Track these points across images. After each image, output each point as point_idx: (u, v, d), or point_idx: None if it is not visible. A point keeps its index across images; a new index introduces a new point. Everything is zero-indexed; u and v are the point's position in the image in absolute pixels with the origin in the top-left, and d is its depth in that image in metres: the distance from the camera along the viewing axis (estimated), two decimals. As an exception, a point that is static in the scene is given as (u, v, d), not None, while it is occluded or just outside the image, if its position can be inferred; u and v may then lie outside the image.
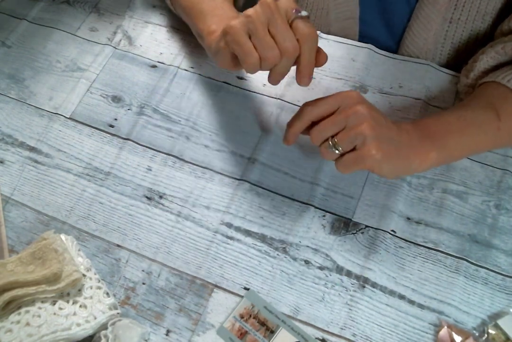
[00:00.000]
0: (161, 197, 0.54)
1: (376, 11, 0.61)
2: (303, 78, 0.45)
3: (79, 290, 0.46)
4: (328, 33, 0.65)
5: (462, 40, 0.60)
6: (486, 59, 0.53)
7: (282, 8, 0.43)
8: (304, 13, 0.43)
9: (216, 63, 0.50)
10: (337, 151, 0.44)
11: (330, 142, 0.44)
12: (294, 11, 0.43)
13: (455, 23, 0.58)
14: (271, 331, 0.46)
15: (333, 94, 0.45)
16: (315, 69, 0.62)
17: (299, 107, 0.59)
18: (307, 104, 0.46)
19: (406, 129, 0.46)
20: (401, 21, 0.60)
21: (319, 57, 0.45)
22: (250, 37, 0.43)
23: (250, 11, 0.43)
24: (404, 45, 0.62)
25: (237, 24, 0.43)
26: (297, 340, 0.46)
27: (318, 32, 0.64)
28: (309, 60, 0.44)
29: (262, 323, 0.47)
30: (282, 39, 0.42)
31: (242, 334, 0.46)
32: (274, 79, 0.46)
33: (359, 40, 0.64)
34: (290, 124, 0.48)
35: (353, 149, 0.44)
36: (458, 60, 0.63)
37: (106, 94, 0.61)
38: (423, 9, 0.57)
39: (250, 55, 0.43)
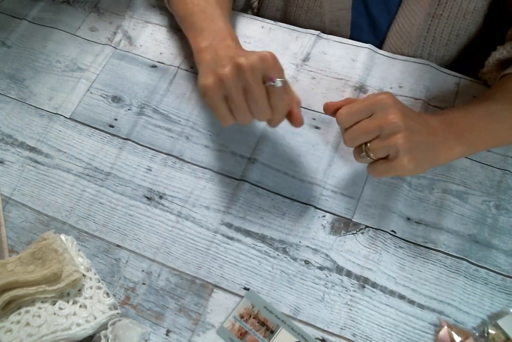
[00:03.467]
0: (161, 197, 0.54)
1: (363, 5, 0.63)
2: (272, 127, 0.48)
3: (79, 290, 0.46)
4: (321, 22, 0.66)
5: (443, 35, 0.63)
6: (502, 51, 0.55)
7: (258, 70, 0.43)
8: (278, 83, 0.43)
9: None
10: (368, 158, 0.44)
11: (364, 149, 0.44)
12: (268, 79, 0.43)
13: (437, 19, 0.60)
14: (271, 331, 0.46)
15: (366, 99, 0.44)
16: (318, 71, 0.62)
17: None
18: (341, 113, 0.44)
19: (434, 127, 0.46)
20: (387, 16, 0.63)
21: (294, 121, 0.47)
22: (226, 98, 0.44)
23: (227, 71, 0.43)
24: (389, 38, 0.64)
25: (213, 87, 0.44)
26: (297, 340, 0.46)
27: (318, 32, 0.64)
28: (277, 122, 0.47)
29: (262, 323, 0.47)
30: (255, 107, 0.44)
31: (242, 334, 0.46)
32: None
33: (350, 34, 0.66)
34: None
35: (386, 156, 0.43)
36: (438, 55, 0.65)
37: (106, 94, 0.61)
38: (408, 5, 0.59)
39: (225, 119, 0.45)
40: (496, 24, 0.62)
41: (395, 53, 0.63)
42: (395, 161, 0.43)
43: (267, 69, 0.43)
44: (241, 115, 0.45)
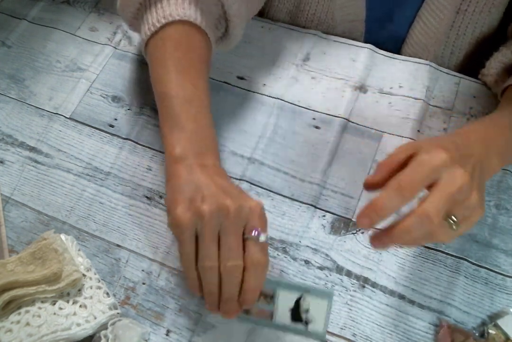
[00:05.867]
0: (161, 197, 0.54)
1: (384, 4, 0.60)
2: (244, 305, 0.41)
3: (79, 290, 0.46)
4: (333, 34, 0.64)
5: (467, 33, 0.60)
6: (506, 51, 0.54)
7: (242, 218, 0.39)
8: (262, 238, 0.39)
9: None
10: (454, 227, 0.38)
11: (451, 221, 0.37)
12: (253, 231, 0.39)
13: (462, 14, 0.58)
14: (270, 297, 0.44)
15: (417, 167, 0.37)
16: (318, 71, 0.62)
17: (299, 108, 0.59)
18: (384, 198, 0.38)
19: (471, 149, 0.41)
20: (410, 12, 0.59)
21: (244, 303, 0.41)
22: (197, 235, 0.39)
23: (205, 206, 0.38)
24: (413, 35, 0.61)
25: (185, 220, 0.39)
26: (300, 294, 0.43)
27: (318, 32, 0.64)
28: (252, 287, 0.40)
29: (259, 295, 0.43)
30: (226, 256, 0.39)
31: (247, 309, 0.44)
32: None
33: (365, 36, 0.64)
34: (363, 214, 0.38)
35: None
36: (460, 53, 0.63)
37: (106, 94, 0.61)
38: None
39: (186, 259, 0.40)
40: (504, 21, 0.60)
41: (417, 56, 0.62)
42: (475, 217, 0.39)
43: (253, 219, 0.39)
44: (205, 261, 0.39)
